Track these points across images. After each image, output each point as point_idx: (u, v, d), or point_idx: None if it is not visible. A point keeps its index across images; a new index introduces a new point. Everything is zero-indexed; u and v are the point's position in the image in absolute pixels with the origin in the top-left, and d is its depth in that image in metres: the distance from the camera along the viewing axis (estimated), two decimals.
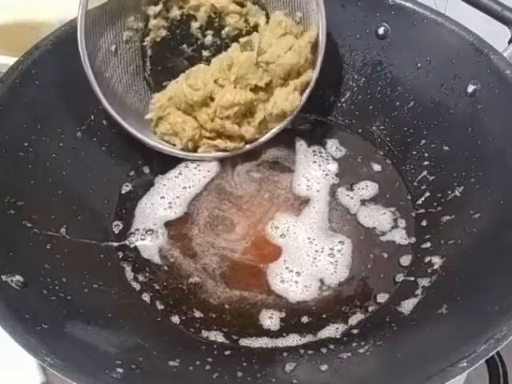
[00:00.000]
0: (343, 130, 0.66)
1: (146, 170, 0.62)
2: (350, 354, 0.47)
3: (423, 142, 0.61)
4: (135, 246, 0.55)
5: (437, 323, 0.46)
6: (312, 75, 0.59)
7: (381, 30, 0.62)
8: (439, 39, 0.59)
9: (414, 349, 0.45)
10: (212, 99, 0.57)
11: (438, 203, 0.57)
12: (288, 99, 0.59)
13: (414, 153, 0.62)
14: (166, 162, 0.61)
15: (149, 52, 0.58)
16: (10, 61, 0.54)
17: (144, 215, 0.58)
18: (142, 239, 0.56)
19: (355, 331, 0.50)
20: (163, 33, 0.58)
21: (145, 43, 0.58)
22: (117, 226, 0.57)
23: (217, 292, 0.53)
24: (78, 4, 0.52)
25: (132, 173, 0.61)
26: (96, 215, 0.56)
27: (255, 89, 0.58)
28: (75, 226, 0.53)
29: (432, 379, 0.37)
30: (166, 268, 0.54)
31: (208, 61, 0.59)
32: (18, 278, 0.43)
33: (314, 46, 0.58)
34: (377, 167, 0.63)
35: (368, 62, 0.64)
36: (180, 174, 0.61)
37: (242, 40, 0.57)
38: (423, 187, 0.60)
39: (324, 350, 0.48)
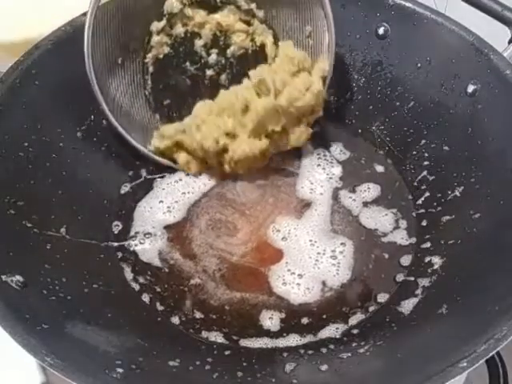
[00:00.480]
0: (347, 132, 0.66)
1: (146, 171, 0.61)
2: (349, 354, 0.47)
3: (423, 141, 0.61)
4: (134, 250, 0.55)
5: (437, 323, 0.46)
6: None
7: (381, 30, 0.62)
8: (439, 39, 0.59)
9: (414, 349, 0.45)
10: (225, 150, 0.56)
11: (438, 203, 0.57)
12: (301, 137, 0.59)
13: (414, 153, 0.62)
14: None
15: (150, 69, 0.57)
16: (10, 61, 0.54)
17: (143, 218, 0.58)
18: (141, 243, 0.56)
19: (355, 331, 0.50)
20: (166, 50, 0.56)
21: (146, 60, 0.56)
22: (116, 227, 0.57)
23: (217, 293, 0.52)
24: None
25: (131, 173, 0.61)
26: (96, 215, 0.56)
27: (271, 133, 0.56)
28: (75, 225, 0.53)
29: (432, 379, 0.37)
30: (166, 270, 0.54)
31: (211, 80, 0.57)
32: (18, 277, 0.43)
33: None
34: (379, 168, 0.63)
35: (368, 62, 0.64)
36: (180, 179, 0.61)
37: (252, 76, 0.55)
38: (423, 187, 0.60)
39: (324, 350, 0.48)
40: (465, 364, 0.38)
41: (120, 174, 0.60)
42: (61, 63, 0.55)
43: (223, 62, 0.57)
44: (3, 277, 0.43)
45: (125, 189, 0.60)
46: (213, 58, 0.57)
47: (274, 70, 0.55)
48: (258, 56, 0.58)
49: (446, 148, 0.59)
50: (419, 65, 0.61)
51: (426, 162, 0.60)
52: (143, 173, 0.61)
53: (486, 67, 0.55)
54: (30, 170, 0.52)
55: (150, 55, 0.56)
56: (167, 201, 0.59)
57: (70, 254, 0.50)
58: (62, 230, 0.52)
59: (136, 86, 0.58)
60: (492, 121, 0.55)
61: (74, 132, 0.57)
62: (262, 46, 0.58)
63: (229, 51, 0.57)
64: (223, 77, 0.58)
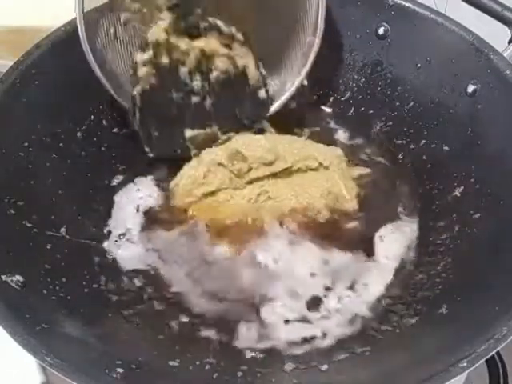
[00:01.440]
0: (344, 130, 0.66)
1: (146, 170, 0.61)
2: (349, 354, 0.47)
3: (423, 141, 0.61)
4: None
5: (437, 323, 0.46)
6: None
7: (381, 30, 0.62)
8: (439, 39, 0.59)
9: (414, 349, 0.45)
10: None
11: (438, 203, 0.57)
12: None
13: (414, 153, 0.62)
14: (168, 165, 0.61)
15: (138, 102, 0.56)
16: (10, 61, 0.54)
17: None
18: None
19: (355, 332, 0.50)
20: (152, 80, 0.55)
21: (134, 93, 0.56)
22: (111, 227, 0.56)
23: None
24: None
25: (131, 173, 0.61)
26: (96, 215, 0.56)
27: None
28: (75, 225, 0.53)
29: (432, 379, 0.37)
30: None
31: (197, 107, 0.57)
32: (18, 277, 0.43)
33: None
34: (380, 168, 0.63)
35: (368, 62, 0.64)
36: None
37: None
38: (423, 187, 0.60)
39: (324, 350, 0.48)
40: (465, 364, 0.38)
41: (120, 174, 0.60)
42: (61, 63, 0.55)
43: (207, 87, 0.57)
44: (3, 277, 0.43)
45: (125, 188, 0.60)
46: (197, 83, 0.57)
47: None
48: (240, 79, 0.58)
49: (445, 148, 0.59)
50: (419, 65, 0.61)
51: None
52: (144, 171, 0.61)
53: (486, 67, 0.55)
54: (30, 169, 0.52)
55: (138, 88, 0.56)
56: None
57: (70, 254, 0.50)
58: (62, 229, 0.52)
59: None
60: (492, 121, 0.55)
61: (74, 132, 0.57)
62: (244, 70, 0.58)
63: (212, 76, 0.57)
64: (207, 102, 0.58)
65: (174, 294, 0.52)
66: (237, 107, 0.59)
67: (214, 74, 0.57)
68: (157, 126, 0.58)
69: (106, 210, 0.57)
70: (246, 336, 0.49)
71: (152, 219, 0.57)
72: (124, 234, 0.56)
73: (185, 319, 0.50)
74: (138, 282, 0.53)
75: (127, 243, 0.55)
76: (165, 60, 0.55)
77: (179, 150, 0.59)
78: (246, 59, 0.58)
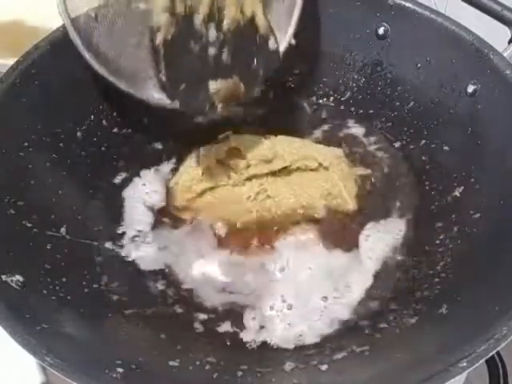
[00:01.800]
0: (344, 130, 0.66)
1: (146, 171, 0.61)
2: (349, 354, 0.47)
3: (423, 142, 0.61)
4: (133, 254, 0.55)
5: (437, 323, 0.46)
6: None
7: (381, 30, 0.62)
8: (439, 39, 0.59)
9: (414, 349, 0.45)
10: None
11: (438, 203, 0.57)
12: None
13: (414, 153, 0.62)
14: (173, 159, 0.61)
15: (161, 51, 0.55)
16: (10, 61, 0.54)
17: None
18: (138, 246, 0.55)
19: (356, 331, 0.50)
20: (172, 30, 0.54)
21: (157, 42, 0.55)
22: (118, 227, 0.57)
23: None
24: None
25: (132, 173, 0.61)
26: (96, 215, 0.56)
27: None
28: (75, 225, 0.53)
29: (432, 379, 0.37)
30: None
31: (215, 59, 0.56)
32: (18, 277, 0.43)
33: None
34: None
35: (368, 62, 0.64)
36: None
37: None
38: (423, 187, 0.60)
39: (324, 350, 0.48)
40: (465, 364, 0.37)
41: (120, 174, 0.60)
42: (60, 63, 0.55)
43: (222, 37, 0.56)
44: (3, 277, 0.43)
45: (125, 189, 0.60)
46: (212, 33, 0.56)
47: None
48: (250, 29, 0.56)
49: (446, 148, 0.59)
50: (419, 65, 0.61)
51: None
52: (145, 171, 0.61)
53: (486, 67, 0.55)
54: (30, 169, 0.52)
55: (160, 37, 0.54)
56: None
57: (70, 254, 0.50)
58: (62, 229, 0.52)
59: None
60: (492, 121, 0.55)
61: (74, 132, 0.57)
62: (253, 18, 0.56)
63: (224, 26, 0.55)
64: (224, 54, 0.56)
65: (186, 291, 0.52)
66: (251, 58, 0.57)
67: (224, 24, 0.55)
68: (182, 76, 0.56)
69: (110, 209, 0.58)
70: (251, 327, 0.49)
71: (160, 217, 0.57)
72: (138, 236, 0.56)
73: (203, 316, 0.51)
74: (160, 286, 0.53)
75: (141, 244, 0.55)
76: (180, 8, 0.54)
77: (207, 103, 0.57)
78: (253, 6, 0.56)
